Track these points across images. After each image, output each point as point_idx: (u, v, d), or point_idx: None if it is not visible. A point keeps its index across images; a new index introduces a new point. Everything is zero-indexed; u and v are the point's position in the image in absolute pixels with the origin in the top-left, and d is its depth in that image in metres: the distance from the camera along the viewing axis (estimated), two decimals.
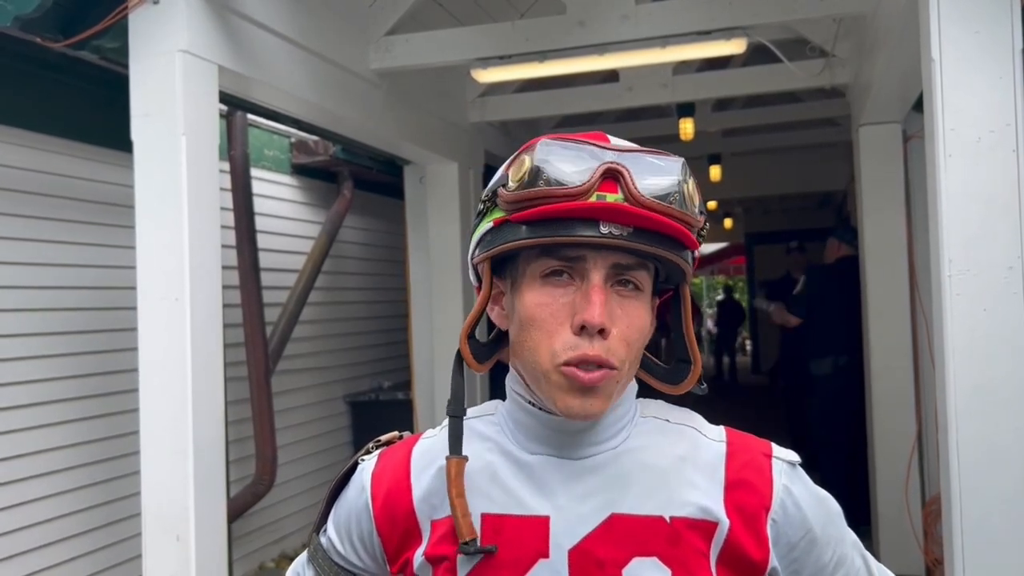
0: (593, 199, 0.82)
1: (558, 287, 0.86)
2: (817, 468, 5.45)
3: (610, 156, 0.84)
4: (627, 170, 0.83)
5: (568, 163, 0.84)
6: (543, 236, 0.83)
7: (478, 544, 0.87)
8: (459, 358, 0.94)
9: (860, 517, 4.83)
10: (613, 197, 0.82)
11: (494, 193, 0.89)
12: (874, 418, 4.59)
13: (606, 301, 0.83)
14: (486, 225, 0.90)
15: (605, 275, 0.84)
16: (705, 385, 0.95)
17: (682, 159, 0.87)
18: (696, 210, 0.87)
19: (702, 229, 0.90)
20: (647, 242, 0.83)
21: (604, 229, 0.82)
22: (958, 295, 2.21)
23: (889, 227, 4.45)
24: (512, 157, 0.88)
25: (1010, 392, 2.19)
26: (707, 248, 19.15)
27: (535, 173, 0.84)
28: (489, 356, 0.97)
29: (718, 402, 11.19)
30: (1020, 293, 2.19)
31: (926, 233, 2.41)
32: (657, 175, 0.84)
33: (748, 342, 16.12)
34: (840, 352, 5.04)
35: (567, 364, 0.84)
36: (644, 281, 0.87)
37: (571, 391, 0.85)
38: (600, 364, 0.84)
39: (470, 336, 0.94)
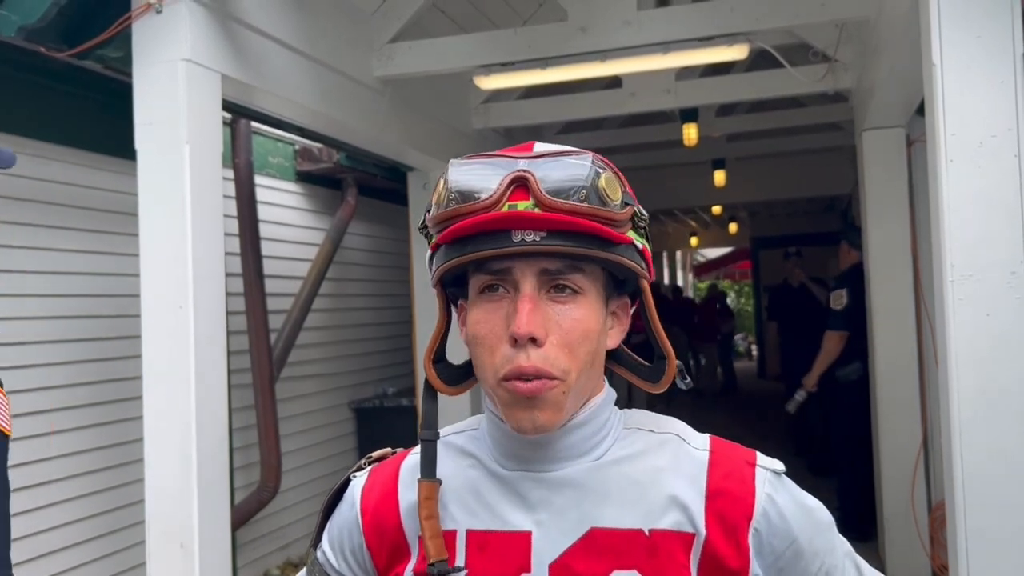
0: (505, 209, 0.83)
1: (493, 301, 0.86)
2: (835, 475, 5.43)
3: (521, 164, 0.84)
4: (533, 175, 0.83)
5: (478, 179, 0.85)
6: (462, 254, 0.84)
7: (446, 565, 0.87)
8: (429, 382, 0.95)
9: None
10: (524, 205, 0.83)
11: (425, 220, 0.91)
12: (880, 423, 4.57)
13: (536, 309, 0.83)
14: (428, 252, 0.92)
15: (536, 283, 0.84)
16: (689, 379, 0.94)
17: (591, 154, 0.86)
18: (615, 203, 0.85)
19: (639, 219, 0.89)
20: (563, 244, 0.82)
21: (516, 237, 0.82)
22: (961, 300, 2.21)
23: (893, 232, 4.44)
24: (435, 182, 0.90)
25: (1013, 396, 2.18)
26: (712, 253, 19.13)
27: (448, 194, 0.85)
28: (465, 378, 0.96)
29: (729, 407, 11.17)
30: (1023, 297, 2.18)
31: (930, 237, 2.40)
32: (564, 176, 0.83)
33: (754, 347, 16.08)
34: (865, 358, 4.99)
35: (506, 379, 0.84)
36: (583, 283, 0.86)
37: (516, 405, 0.85)
38: (538, 375, 0.83)
39: (440, 359, 0.95)
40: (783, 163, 8.75)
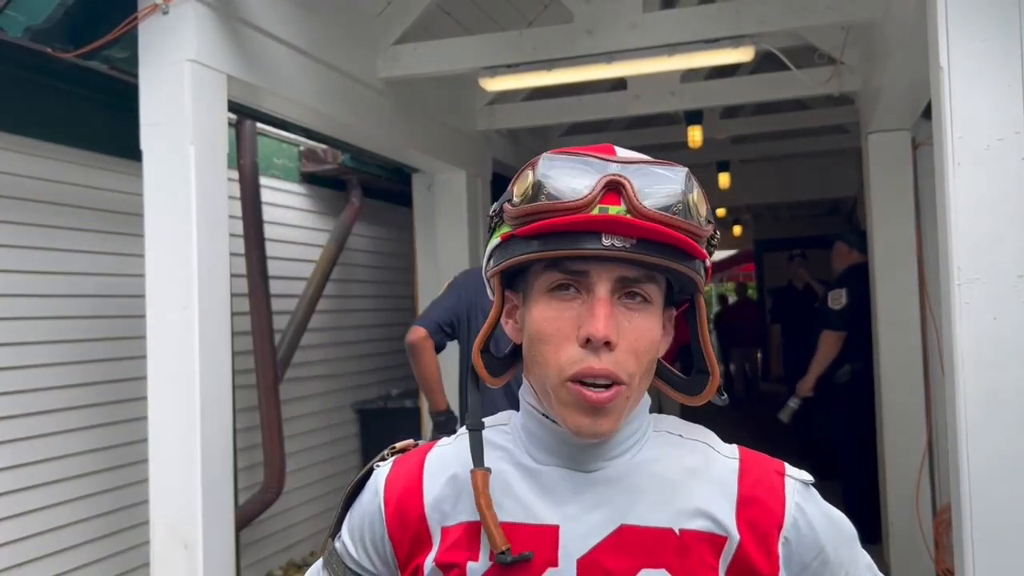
0: (596, 212, 0.82)
1: (564, 300, 0.86)
2: (838, 478, 5.41)
3: (614, 168, 0.84)
4: (629, 182, 0.83)
5: (570, 177, 0.84)
6: (547, 250, 0.84)
7: (510, 554, 0.87)
8: (475, 372, 0.95)
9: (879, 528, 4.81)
10: (616, 209, 0.82)
11: (501, 208, 0.89)
12: (884, 427, 4.56)
13: (611, 314, 0.83)
14: (495, 240, 0.91)
15: (611, 288, 0.84)
16: (726, 396, 0.95)
17: (686, 169, 0.86)
18: (702, 219, 0.86)
19: (712, 238, 0.89)
20: (651, 253, 0.82)
21: (607, 241, 0.82)
22: (967, 304, 2.20)
23: (899, 235, 4.43)
24: (518, 172, 0.89)
25: (1020, 399, 2.17)
26: (716, 255, 19.06)
27: (537, 187, 0.84)
28: (505, 370, 0.97)
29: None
30: None
31: (936, 241, 2.40)
32: (660, 186, 0.83)
33: (758, 351, 16.02)
34: (857, 359, 4.98)
35: (574, 379, 0.84)
36: (653, 293, 0.87)
37: (579, 410, 0.85)
38: (608, 378, 0.83)
39: (485, 350, 0.94)
40: (788, 166, 8.73)
